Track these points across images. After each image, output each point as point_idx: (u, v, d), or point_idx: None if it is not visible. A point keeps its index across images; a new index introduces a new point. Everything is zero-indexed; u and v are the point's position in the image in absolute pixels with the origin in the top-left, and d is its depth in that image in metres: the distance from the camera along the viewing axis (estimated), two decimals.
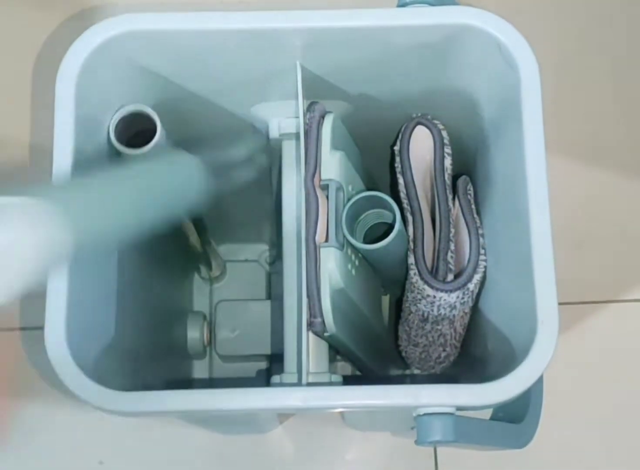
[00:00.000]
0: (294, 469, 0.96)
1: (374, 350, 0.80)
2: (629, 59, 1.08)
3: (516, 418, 0.63)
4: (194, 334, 0.94)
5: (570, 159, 1.04)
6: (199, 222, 0.83)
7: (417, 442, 0.55)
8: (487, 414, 0.64)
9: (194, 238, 0.85)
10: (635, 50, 1.08)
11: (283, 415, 0.94)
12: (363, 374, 0.88)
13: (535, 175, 0.58)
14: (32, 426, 0.95)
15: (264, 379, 0.95)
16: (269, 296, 0.99)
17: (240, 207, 0.90)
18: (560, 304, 0.97)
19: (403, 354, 0.78)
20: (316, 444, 0.96)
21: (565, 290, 0.97)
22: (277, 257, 0.98)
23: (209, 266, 0.95)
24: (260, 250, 1.01)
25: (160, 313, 0.84)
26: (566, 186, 1.03)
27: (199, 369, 0.97)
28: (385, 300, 0.87)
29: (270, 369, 0.95)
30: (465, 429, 0.55)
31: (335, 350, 0.73)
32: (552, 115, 1.01)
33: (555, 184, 1.00)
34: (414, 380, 0.90)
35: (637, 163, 1.05)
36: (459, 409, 0.55)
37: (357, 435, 0.96)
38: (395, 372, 0.92)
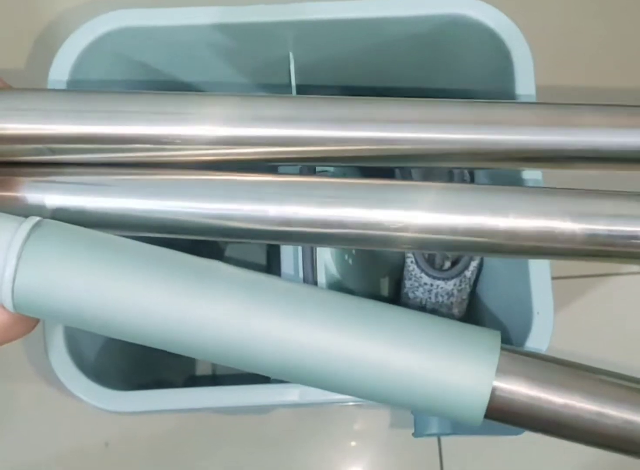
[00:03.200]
0: (299, 442, 0.97)
1: None
2: (634, 33, 1.08)
3: None
4: None
5: None
6: None
7: (415, 435, 0.55)
8: None
9: None
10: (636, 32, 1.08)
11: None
12: None
13: None
14: (35, 410, 0.96)
15: None
16: None
17: None
18: (560, 278, 0.98)
19: None
20: (319, 418, 0.97)
21: (566, 263, 0.99)
22: None
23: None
24: None
25: None
26: None
27: None
28: (384, 283, 0.87)
29: None
30: None
31: None
32: (550, 94, 1.02)
33: None
34: None
35: None
36: None
37: (359, 412, 0.97)
38: None
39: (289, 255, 0.65)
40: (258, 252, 1.01)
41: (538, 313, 0.55)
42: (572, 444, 0.91)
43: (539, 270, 0.56)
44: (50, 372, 0.87)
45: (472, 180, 0.70)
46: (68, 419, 0.96)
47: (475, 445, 0.95)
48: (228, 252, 1.01)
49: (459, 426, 0.54)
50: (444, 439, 0.96)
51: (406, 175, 0.69)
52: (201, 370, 0.98)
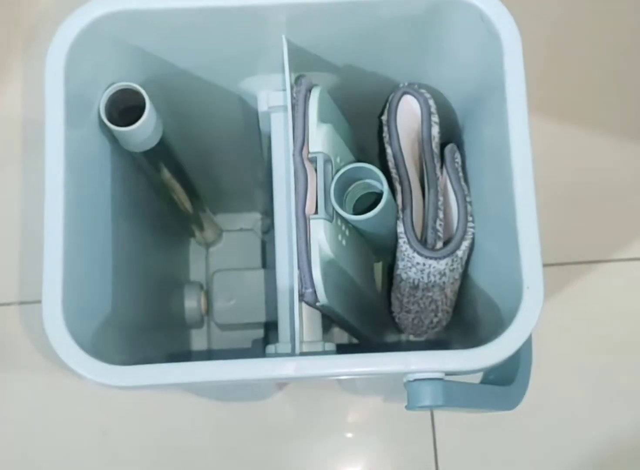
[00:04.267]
0: (295, 432, 0.98)
1: (367, 318, 0.81)
2: (627, 19, 1.09)
3: (506, 380, 0.65)
4: (192, 303, 0.96)
5: (564, 119, 1.05)
6: (191, 189, 0.84)
7: (407, 407, 0.56)
8: (478, 378, 0.66)
9: (187, 205, 0.86)
10: (632, 11, 1.09)
11: (282, 382, 0.95)
12: (359, 341, 0.89)
13: (519, 141, 0.59)
14: (34, 400, 0.97)
15: (261, 346, 0.96)
16: (264, 265, 1.00)
17: (233, 176, 0.91)
18: (552, 264, 0.99)
19: (396, 320, 0.80)
20: (315, 408, 0.98)
21: (558, 250, 1.00)
22: (270, 225, 1.00)
23: (202, 228, 0.96)
24: (255, 219, 1.03)
25: (157, 284, 0.86)
26: (559, 146, 1.04)
27: (198, 339, 0.99)
28: (378, 267, 0.88)
29: (267, 336, 0.97)
30: (454, 393, 0.56)
31: (330, 319, 0.74)
32: (545, 77, 1.03)
33: (549, 144, 1.02)
34: (409, 346, 0.92)
35: (631, 123, 1.06)
36: (448, 374, 0.56)
37: (355, 399, 0.98)
38: (390, 338, 0.93)
39: (284, 234, 0.66)
40: (253, 238, 1.02)
41: (528, 287, 0.56)
42: (564, 429, 0.92)
43: (529, 244, 0.57)
44: (48, 357, 0.89)
45: (463, 162, 0.71)
46: (65, 410, 0.97)
47: (468, 432, 0.96)
48: (225, 236, 1.02)
49: (450, 398, 0.55)
50: (438, 425, 0.97)
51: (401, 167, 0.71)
52: (197, 346, 0.98)
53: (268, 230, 1.02)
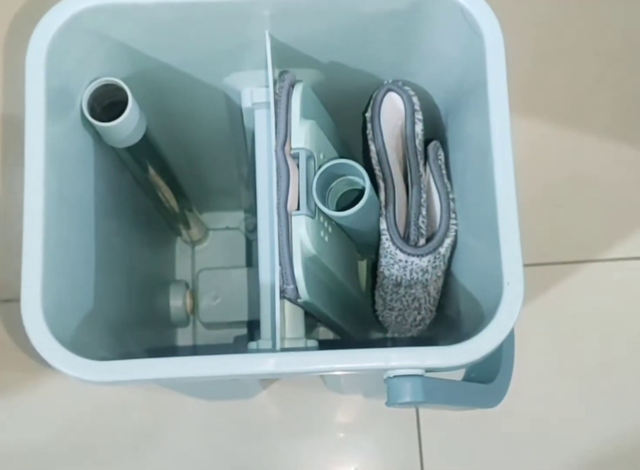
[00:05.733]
0: (281, 431, 0.97)
1: (351, 316, 0.81)
2: (614, 21, 1.10)
3: (487, 378, 0.65)
4: (177, 302, 0.95)
5: (551, 121, 1.05)
6: (176, 187, 0.84)
7: (387, 404, 0.56)
8: (460, 376, 0.66)
9: (172, 203, 0.86)
10: (618, 14, 1.10)
11: (266, 380, 0.95)
12: (342, 339, 0.89)
13: (500, 138, 0.59)
14: (16, 397, 0.97)
15: (245, 344, 0.96)
16: (250, 263, 1.00)
17: (218, 174, 0.91)
18: (538, 264, 0.99)
19: (380, 318, 0.80)
20: (301, 407, 0.98)
21: (544, 250, 1.00)
22: (256, 224, 1.00)
23: (188, 226, 0.96)
24: (241, 218, 1.03)
25: (142, 282, 0.86)
26: (546, 147, 1.04)
27: (183, 337, 0.98)
28: (363, 265, 0.88)
29: (251, 334, 0.97)
30: (434, 390, 0.56)
31: (313, 317, 0.74)
32: (533, 79, 1.03)
33: (536, 145, 1.02)
34: (394, 344, 0.92)
35: (617, 125, 1.06)
36: (429, 370, 0.56)
37: (340, 399, 0.98)
38: (374, 336, 0.93)
39: (266, 230, 0.66)
40: (239, 236, 1.02)
41: (508, 283, 0.56)
42: (548, 428, 0.91)
43: (509, 241, 0.57)
44: (33, 356, 0.88)
45: (446, 159, 0.71)
46: (48, 406, 0.96)
47: (453, 430, 0.96)
48: (211, 235, 1.02)
49: (430, 394, 0.55)
50: (423, 423, 0.97)
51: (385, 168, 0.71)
52: (182, 342, 0.98)
53: (254, 228, 1.01)
